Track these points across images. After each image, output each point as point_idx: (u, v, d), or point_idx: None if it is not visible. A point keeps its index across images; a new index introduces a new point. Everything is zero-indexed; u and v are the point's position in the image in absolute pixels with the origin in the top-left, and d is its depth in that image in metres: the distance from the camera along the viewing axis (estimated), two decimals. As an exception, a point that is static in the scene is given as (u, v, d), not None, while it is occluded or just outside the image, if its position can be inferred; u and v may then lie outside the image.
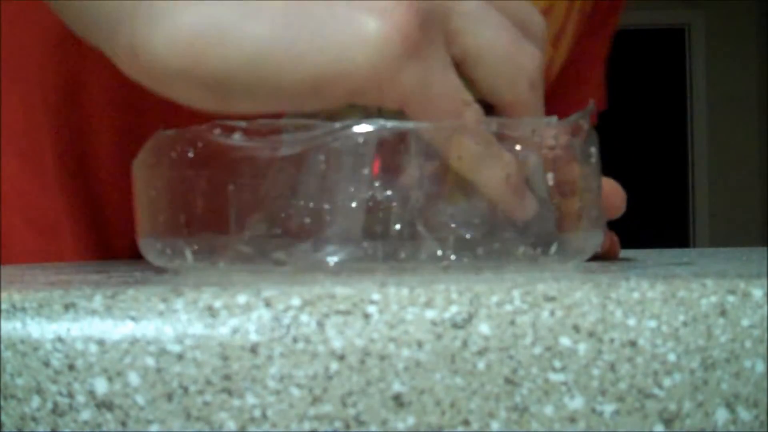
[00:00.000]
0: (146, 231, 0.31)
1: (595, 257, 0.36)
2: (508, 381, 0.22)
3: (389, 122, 0.28)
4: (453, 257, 0.28)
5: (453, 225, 0.29)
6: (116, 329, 0.22)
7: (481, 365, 0.22)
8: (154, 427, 0.22)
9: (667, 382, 0.22)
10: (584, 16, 0.68)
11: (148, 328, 0.22)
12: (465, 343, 0.22)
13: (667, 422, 0.22)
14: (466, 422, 0.22)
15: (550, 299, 0.22)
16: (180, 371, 0.22)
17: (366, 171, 0.28)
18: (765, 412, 0.22)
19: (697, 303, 0.22)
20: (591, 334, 0.22)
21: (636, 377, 0.22)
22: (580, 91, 0.71)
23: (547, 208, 0.30)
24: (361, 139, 0.28)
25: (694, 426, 0.22)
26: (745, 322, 0.22)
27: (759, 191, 4.76)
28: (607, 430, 0.22)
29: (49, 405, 0.22)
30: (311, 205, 0.28)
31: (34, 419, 0.22)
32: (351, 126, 0.28)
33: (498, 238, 0.29)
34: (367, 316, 0.22)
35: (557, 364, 0.22)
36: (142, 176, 0.31)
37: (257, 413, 0.21)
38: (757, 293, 0.22)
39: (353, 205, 0.28)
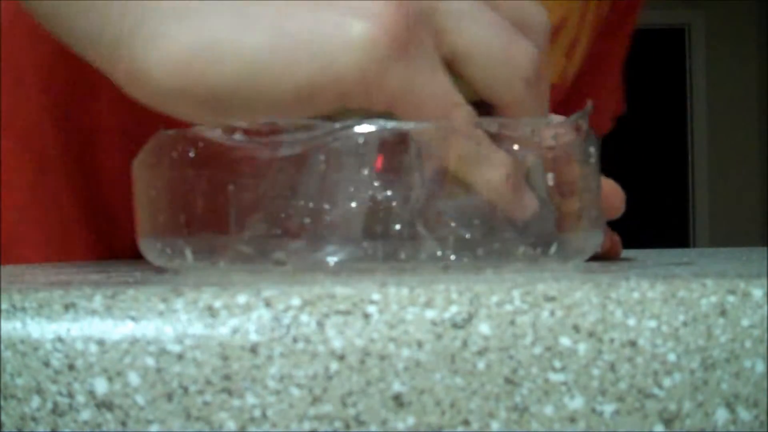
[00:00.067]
0: (146, 231, 0.31)
1: (596, 257, 0.36)
2: (508, 381, 0.22)
3: (389, 122, 0.28)
4: (453, 257, 0.28)
5: (453, 224, 0.29)
6: (116, 329, 0.22)
7: (481, 365, 0.22)
8: (154, 427, 0.22)
9: (667, 382, 0.22)
10: (600, 17, 0.67)
11: (148, 328, 0.22)
12: (465, 343, 0.22)
13: (667, 422, 0.22)
14: (466, 422, 0.22)
15: (550, 299, 0.22)
16: (180, 371, 0.22)
17: (366, 171, 0.28)
18: (765, 412, 0.22)
19: (697, 303, 0.22)
20: (591, 334, 0.22)
21: (636, 377, 0.22)
22: (597, 93, 0.69)
23: (547, 208, 0.30)
24: (361, 140, 0.28)
25: (694, 426, 0.22)
26: (745, 322, 0.22)
27: (759, 191, 4.76)
28: (607, 430, 0.22)
29: (49, 405, 0.22)
30: (311, 205, 0.28)
31: (34, 419, 0.22)
32: (351, 126, 0.28)
33: (498, 238, 0.29)
34: (367, 316, 0.22)
35: (557, 364, 0.22)
36: (143, 176, 0.31)
37: (257, 413, 0.21)
38: (757, 293, 0.22)
39: (353, 205, 0.28)
